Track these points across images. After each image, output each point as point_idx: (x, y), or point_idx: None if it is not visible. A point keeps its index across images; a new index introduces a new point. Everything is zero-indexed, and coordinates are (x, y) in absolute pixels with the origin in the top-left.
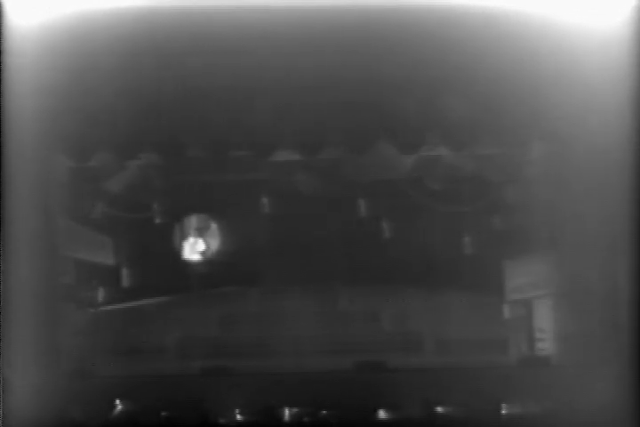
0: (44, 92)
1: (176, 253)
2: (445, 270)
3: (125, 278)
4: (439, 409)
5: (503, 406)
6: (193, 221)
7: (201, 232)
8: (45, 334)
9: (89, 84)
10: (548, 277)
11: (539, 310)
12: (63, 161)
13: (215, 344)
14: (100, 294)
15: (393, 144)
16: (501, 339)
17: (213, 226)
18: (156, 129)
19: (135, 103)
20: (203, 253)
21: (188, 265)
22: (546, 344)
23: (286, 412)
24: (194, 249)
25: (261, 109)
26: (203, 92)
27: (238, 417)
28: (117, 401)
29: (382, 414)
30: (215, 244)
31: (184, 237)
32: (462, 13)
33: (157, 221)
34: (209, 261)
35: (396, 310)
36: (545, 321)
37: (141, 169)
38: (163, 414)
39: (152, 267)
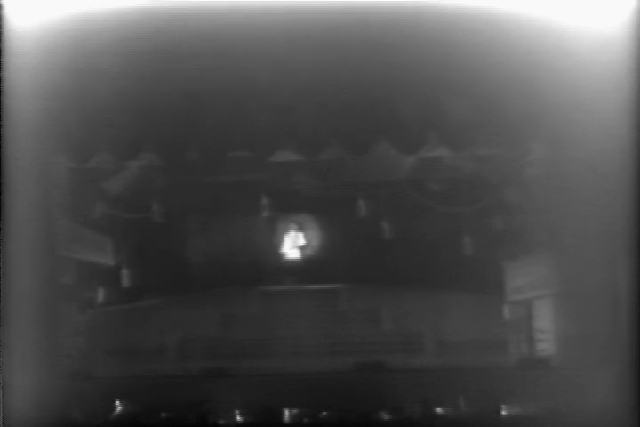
0: (45, 94)
1: (175, 253)
2: (445, 271)
3: (125, 279)
4: (439, 410)
5: (503, 407)
6: (292, 216)
7: (302, 227)
8: (45, 335)
9: (89, 85)
10: (548, 278)
11: (539, 310)
12: (63, 162)
13: (215, 345)
14: (100, 295)
15: (393, 145)
16: (501, 340)
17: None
18: (156, 130)
19: (135, 104)
20: (303, 247)
21: (187, 266)
22: (546, 345)
23: (286, 413)
24: (294, 244)
25: (261, 111)
26: (202, 93)
27: (238, 418)
28: (117, 402)
29: (382, 414)
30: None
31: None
32: (463, 15)
33: (157, 221)
34: (209, 262)
35: (396, 311)
36: (545, 322)
37: (141, 170)
38: (163, 414)
39: (152, 267)
